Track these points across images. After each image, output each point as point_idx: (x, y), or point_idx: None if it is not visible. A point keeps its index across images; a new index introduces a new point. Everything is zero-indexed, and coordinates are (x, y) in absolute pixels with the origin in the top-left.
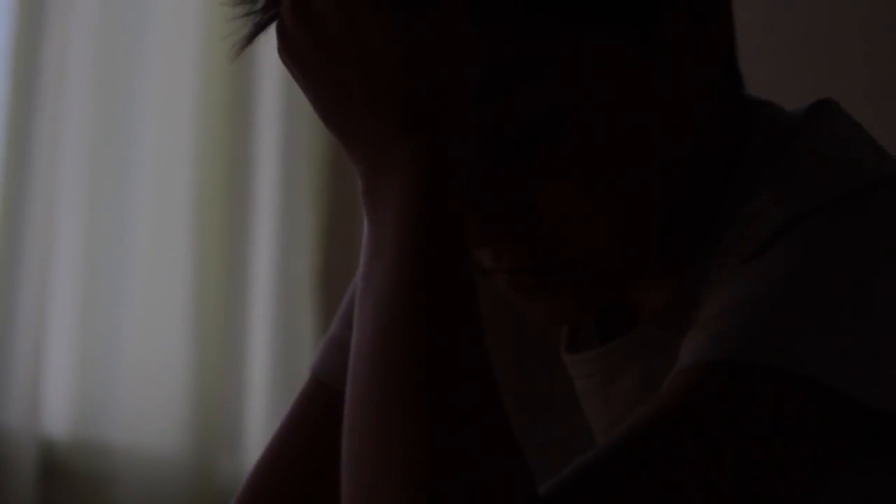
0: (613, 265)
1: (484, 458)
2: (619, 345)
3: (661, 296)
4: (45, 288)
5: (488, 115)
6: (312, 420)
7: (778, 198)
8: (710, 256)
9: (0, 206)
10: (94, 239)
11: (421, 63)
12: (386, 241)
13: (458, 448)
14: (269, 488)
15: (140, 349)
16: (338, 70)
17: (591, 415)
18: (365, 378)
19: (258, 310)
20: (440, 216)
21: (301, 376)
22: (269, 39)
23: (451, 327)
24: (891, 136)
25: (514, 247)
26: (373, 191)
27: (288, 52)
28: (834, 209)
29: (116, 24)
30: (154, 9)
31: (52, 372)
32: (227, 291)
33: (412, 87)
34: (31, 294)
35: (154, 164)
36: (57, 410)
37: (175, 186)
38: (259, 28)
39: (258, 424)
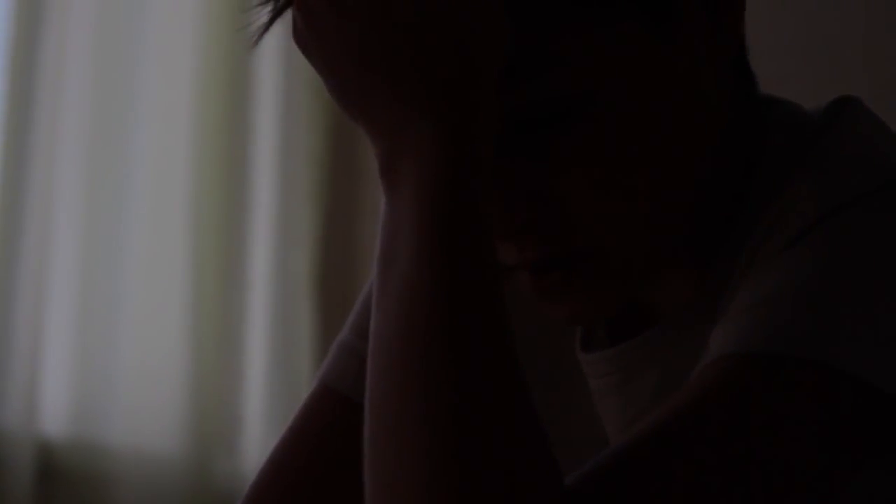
0: (635, 257)
1: (513, 448)
2: (638, 343)
3: (681, 294)
4: (43, 288)
5: (511, 101)
6: (320, 427)
7: (811, 192)
8: (736, 253)
9: None
10: (92, 239)
11: (449, 43)
12: (407, 224)
13: (485, 437)
14: (276, 495)
15: (138, 350)
16: (363, 47)
17: (606, 414)
18: (389, 362)
19: (256, 311)
20: (463, 200)
21: (299, 377)
22: (268, 40)
23: (476, 313)
24: None
25: (536, 238)
26: (392, 171)
27: (312, 29)
28: (867, 203)
29: (114, 24)
30: (152, 9)
31: (49, 372)
32: (224, 292)
33: (439, 67)
34: (29, 294)
35: (152, 165)
36: (54, 411)
37: (173, 187)
38: (277, 14)
39: (256, 425)
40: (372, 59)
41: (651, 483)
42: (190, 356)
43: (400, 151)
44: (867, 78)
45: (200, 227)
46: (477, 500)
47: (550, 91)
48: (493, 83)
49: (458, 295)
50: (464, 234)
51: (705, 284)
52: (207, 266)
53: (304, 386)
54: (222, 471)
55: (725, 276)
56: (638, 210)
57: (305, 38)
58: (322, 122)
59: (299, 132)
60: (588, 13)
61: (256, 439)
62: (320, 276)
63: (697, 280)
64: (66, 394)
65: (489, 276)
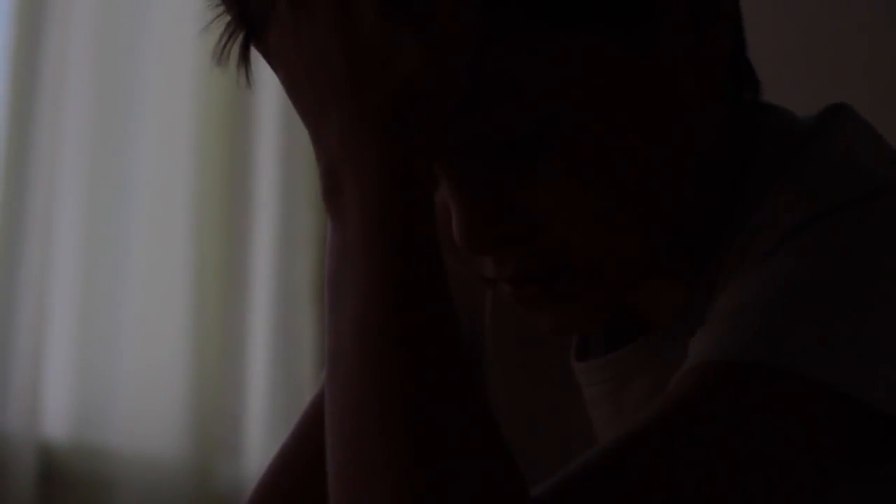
0: (616, 271)
1: (473, 459)
2: (630, 351)
3: (673, 301)
4: (45, 292)
5: (480, 120)
6: (320, 433)
7: (788, 202)
8: (721, 261)
9: (0, 212)
10: (94, 243)
11: (401, 65)
12: (353, 245)
13: (444, 450)
14: (278, 500)
15: (139, 353)
16: (313, 61)
17: (599, 422)
18: (344, 383)
19: (258, 315)
20: (408, 217)
21: (301, 381)
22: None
23: (428, 328)
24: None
25: (513, 254)
26: (336, 192)
27: (279, 38)
28: (843, 213)
29: (115, 26)
30: (153, 11)
31: (51, 376)
32: (226, 296)
33: (386, 88)
34: (31, 298)
35: (153, 170)
36: (56, 414)
37: (174, 191)
38: (236, 31)
39: (258, 429)
40: (322, 76)
41: (616, 495)
42: (192, 360)
43: (342, 170)
44: (869, 81)
45: (202, 231)
46: None
47: (517, 112)
48: (445, 108)
49: (408, 313)
50: (410, 257)
51: (694, 291)
52: (209, 270)
53: (306, 390)
54: (224, 475)
55: (712, 285)
56: (612, 228)
57: (273, 51)
58: None
59: (301, 136)
60: (550, 35)
61: (258, 443)
62: (322, 280)
63: (688, 287)
64: (67, 397)
65: (439, 292)
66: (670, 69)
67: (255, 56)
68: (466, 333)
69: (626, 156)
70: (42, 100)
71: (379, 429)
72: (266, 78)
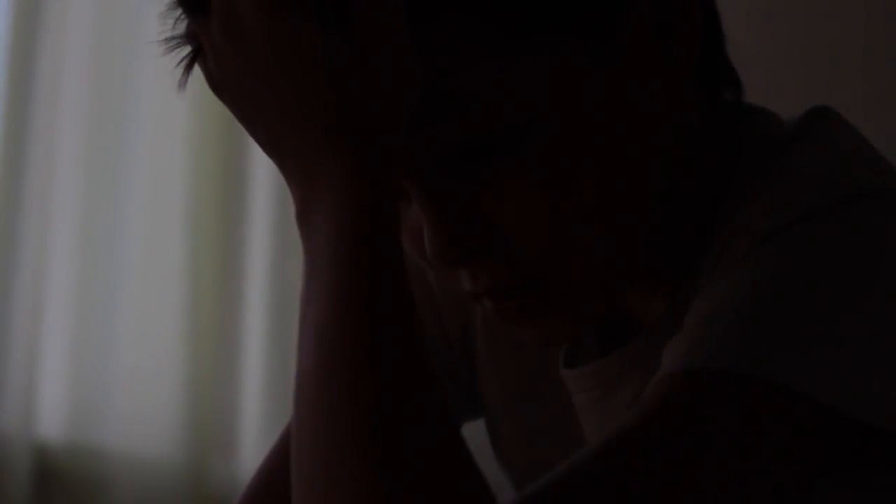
0: (590, 281)
1: (436, 471)
2: (616, 358)
3: (659, 306)
4: (40, 292)
5: (441, 133)
6: None
7: (763, 208)
8: (700, 266)
9: None
10: (89, 243)
11: (345, 82)
12: (320, 265)
13: (408, 463)
14: (270, 499)
15: (135, 353)
16: (262, 88)
17: (588, 429)
18: (306, 398)
19: (253, 315)
20: (372, 236)
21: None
22: None
23: (389, 346)
24: (889, 144)
25: (487, 267)
26: (305, 212)
27: (218, 69)
28: (816, 219)
29: (111, 28)
30: (150, 14)
31: (46, 376)
32: (221, 297)
33: (336, 107)
34: (26, 298)
35: (149, 171)
36: (51, 414)
37: (170, 192)
38: (194, 59)
39: (252, 429)
40: (271, 99)
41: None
42: (187, 360)
43: (309, 193)
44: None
45: (197, 232)
46: None
47: (477, 123)
48: (399, 119)
49: (373, 331)
50: (375, 274)
51: (676, 297)
52: (204, 271)
53: None
54: (219, 475)
55: (692, 290)
56: (581, 238)
57: (215, 77)
58: None
59: None
60: (512, 44)
61: (253, 444)
62: None
63: (670, 293)
64: (63, 397)
65: (402, 306)
66: (638, 76)
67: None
68: (456, 340)
69: (593, 165)
70: (38, 102)
71: (339, 443)
72: None
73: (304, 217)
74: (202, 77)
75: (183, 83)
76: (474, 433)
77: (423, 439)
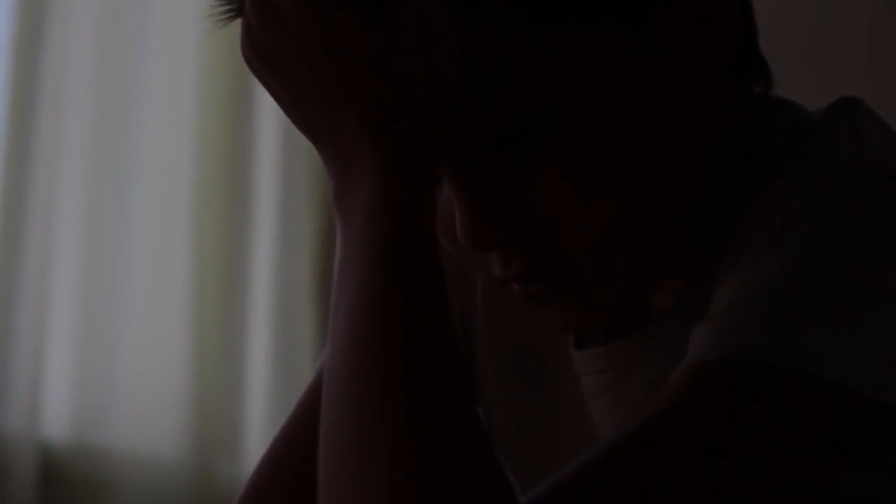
0: (622, 268)
1: (465, 470)
2: (631, 341)
3: (675, 290)
4: (45, 293)
5: (476, 117)
6: (316, 419)
7: (796, 187)
8: (723, 252)
9: (0, 212)
10: (94, 244)
11: (384, 65)
12: (356, 249)
13: (435, 459)
14: (274, 487)
15: (140, 354)
16: (300, 69)
17: (597, 413)
18: (340, 389)
19: (258, 316)
20: (407, 221)
21: (300, 381)
22: None
23: (420, 337)
24: None
25: (519, 252)
26: (343, 194)
27: (253, 49)
28: (844, 201)
29: (116, 28)
30: (153, 14)
31: (51, 377)
32: (226, 297)
33: (373, 88)
34: (31, 299)
35: (154, 171)
36: (56, 415)
37: (175, 192)
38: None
39: (257, 430)
40: (308, 80)
41: (614, 497)
42: (192, 361)
43: (350, 177)
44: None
45: (202, 232)
46: None
47: (514, 109)
48: (435, 104)
49: (405, 323)
50: (409, 260)
51: (696, 282)
52: (209, 271)
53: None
54: (224, 475)
55: (714, 276)
56: (614, 226)
57: (251, 55)
58: None
59: (301, 137)
60: (544, 30)
61: (258, 443)
62: (321, 281)
63: (689, 278)
64: (68, 398)
65: (436, 299)
66: (673, 65)
67: None
68: (457, 323)
69: (628, 152)
70: (42, 102)
71: (370, 441)
72: None
73: (340, 198)
74: (207, 77)
75: (222, 24)
76: None
77: (457, 439)
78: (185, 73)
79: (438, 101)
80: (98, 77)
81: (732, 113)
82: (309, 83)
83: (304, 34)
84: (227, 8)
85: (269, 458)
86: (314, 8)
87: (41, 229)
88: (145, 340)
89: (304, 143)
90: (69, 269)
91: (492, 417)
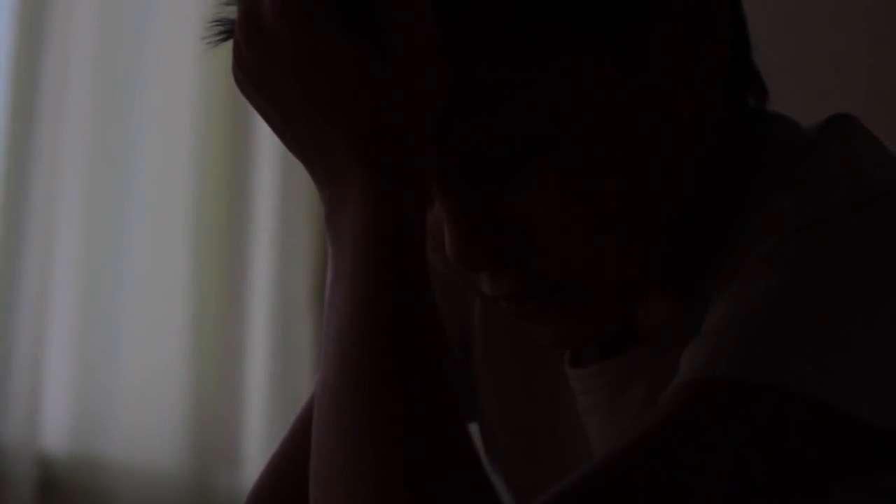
0: (613, 287)
1: (456, 480)
2: (624, 359)
3: (667, 309)
4: (44, 304)
5: (465, 134)
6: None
7: (788, 207)
8: (716, 271)
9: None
10: (93, 254)
11: (372, 85)
12: (346, 265)
13: (426, 467)
14: (277, 499)
15: (138, 365)
16: (288, 91)
17: (592, 431)
18: (332, 403)
19: (256, 325)
20: (397, 237)
21: (300, 392)
22: None
23: (409, 351)
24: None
25: (508, 271)
26: (334, 213)
27: (242, 71)
28: (836, 221)
29: (117, 30)
30: (153, 19)
31: (50, 388)
32: (225, 307)
33: (362, 108)
34: (30, 310)
35: (153, 180)
36: (55, 426)
37: (174, 201)
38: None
39: (256, 440)
40: (296, 101)
41: None
42: (190, 371)
43: (341, 197)
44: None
45: (201, 241)
46: None
47: (504, 127)
48: (423, 123)
49: (394, 337)
50: (399, 276)
51: (689, 302)
52: (208, 281)
53: (305, 401)
54: (223, 486)
55: (708, 294)
56: (606, 244)
57: (241, 78)
58: None
59: None
60: (535, 47)
61: (257, 454)
62: (320, 290)
63: (682, 297)
64: (66, 409)
65: (425, 315)
66: (666, 81)
67: None
68: (455, 342)
69: (619, 171)
70: (43, 106)
71: (359, 450)
72: None
73: (331, 219)
74: (205, 85)
75: (214, 45)
76: None
77: (444, 449)
78: (185, 79)
79: (428, 121)
80: (98, 82)
81: (726, 131)
82: (297, 105)
83: (291, 56)
84: (219, 30)
85: (269, 471)
86: (301, 30)
87: (40, 241)
88: (144, 351)
89: None
90: (68, 281)
91: (491, 433)
